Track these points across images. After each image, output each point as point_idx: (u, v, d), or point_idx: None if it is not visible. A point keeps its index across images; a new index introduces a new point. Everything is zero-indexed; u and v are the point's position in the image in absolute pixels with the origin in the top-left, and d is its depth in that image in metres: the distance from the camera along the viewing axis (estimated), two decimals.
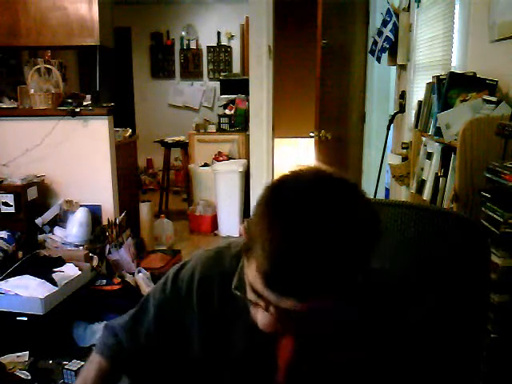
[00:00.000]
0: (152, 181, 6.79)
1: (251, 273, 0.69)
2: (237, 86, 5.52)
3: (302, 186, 0.69)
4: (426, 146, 2.23)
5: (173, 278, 0.93)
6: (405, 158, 2.95)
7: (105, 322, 2.67)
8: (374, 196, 3.77)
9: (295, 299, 0.66)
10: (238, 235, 4.60)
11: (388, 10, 3.37)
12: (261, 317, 0.72)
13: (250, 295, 0.72)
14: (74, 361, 2.33)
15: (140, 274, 3.19)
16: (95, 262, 3.01)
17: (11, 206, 3.11)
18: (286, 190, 0.69)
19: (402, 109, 3.44)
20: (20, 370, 2.30)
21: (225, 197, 4.61)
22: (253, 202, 4.63)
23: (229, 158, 5.03)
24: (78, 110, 3.31)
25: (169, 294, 0.93)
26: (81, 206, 3.32)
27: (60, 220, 3.31)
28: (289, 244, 0.64)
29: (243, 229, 0.75)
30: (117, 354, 0.96)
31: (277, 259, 0.64)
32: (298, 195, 0.67)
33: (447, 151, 1.91)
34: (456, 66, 2.39)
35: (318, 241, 0.64)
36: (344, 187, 0.71)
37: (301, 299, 0.66)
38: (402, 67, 3.49)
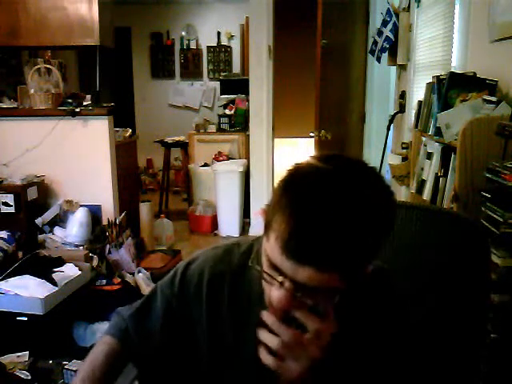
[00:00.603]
0: (152, 181, 6.79)
1: (270, 246, 0.70)
2: (237, 85, 5.51)
3: (323, 167, 0.71)
4: (426, 146, 2.23)
5: (181, 274, 0.93)
6: (405, 158, 2.95)
7: (105, 322, 2.68)
8: None
9: (312, 267, 0.67)
10: (238, 235, 4.61)
11: (388, 9, 3.37)
12: (276, 293, 0.72)
13: (267, 270, 0.73)
14: (74, 361, 2.32)
15: (140, 274, 3.19)
16: (95, 262, 3.01)
17: (11, 206, 3.11)
18: (307, 169, 0.72)
19: (402, 109, 3.44)
20: (20, 369, 2.30)
21: (225, 197, 4.61)
22: (253, 202, 4.65)
23: (229, 158, 5.03)
24: (78, 110, 3.31)
25: (177, 291, 0.93)
26: (81, 206, 3.31)
27: (60, 220, 3.31)
28: (309, 212, 0.66)
29: (263, 210, 0.76)
30: (126, 338, 0.96)
31: (296, 226, 0.66)
32: (319, 174, 0.70)
33: (447, 151, 1.91)
34: (456, 66, 2.39)
35: (338, 211, 0.66)
36: (365, 168, 0.73)
37: (318, 267, 0.67)
38: (402, 67, 3.49)
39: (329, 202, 0.67)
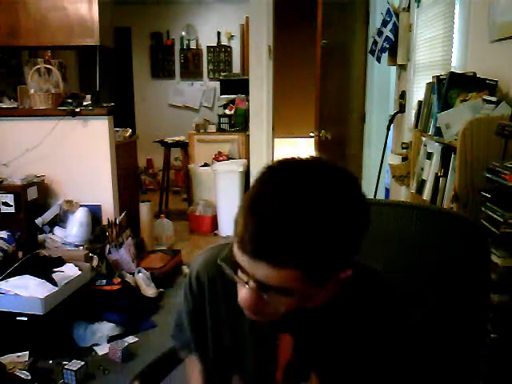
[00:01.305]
0: (152, 181, 6.79)
1: (235, 248, 0.71)
2: (237, 85, 5.51)
3: (289, 164, 0.72)
4: (426, 146, 2.23)
5: (189, 288, 0.94)
6: (405, 158, 2.95)
7: (105, 321, 2.68)
8: (374, 196, 3.77)
9: (265, 262, 0.66)
10: None
11: (388, 9, 3.37)
12: (241, 292, 0.73)
13: (238, 273, 0.74)
14: (74, 361, 2.33)
15: (140, 274, 3.19)
16: (95, 262, 3.01)
17: (11, 206, 3.11)
18: (265, 174, 0.72)
19: (402, 109, 3.44)
20: (20, 369, 2.30)
21: (225, 197, 4.61)
22: None
23: (229, 158, 5.03)
24: (78, 109, 3.31)
25: (191, 305, 0.94)
26: (81, 206, 3.32)
27: (60, 220, 3.31)
28: (261, 208, 0.66)
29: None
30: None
31: (249, 222, 0.67)
32: (285, 171, 0.70)
33: (447, 151, 1.91)
34: (456, 66, 2.39)
35: (291, 207, 0.65)
36: (336, 169, 0.72)
37: (271, 262, 0.66)
38: (402, 67, 3.49)
39: (281, 198, 0.66)
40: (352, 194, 0.71)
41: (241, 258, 0.70)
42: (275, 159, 0.75)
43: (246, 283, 0.71)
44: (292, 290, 0.69)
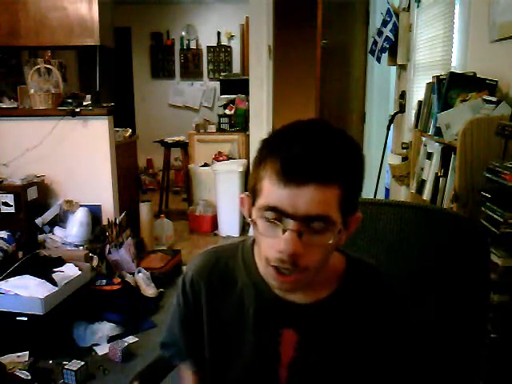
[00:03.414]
0: (152, 181, 6.79)
1: (264, 195, 0.73)
2: (237, 85, 5.51)
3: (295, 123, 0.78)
4: (426, 146, 2.23)
5: (182, 290, 0.93)
6: (405, 158, 2.95)
7: (105, 321, 2.68)
8: (374, 196, 3.77)
9: (312, 183, 0.69)
10: (238, 235, 4.60)
11: (388, 9, 3.37)
12: (282, 241, 0.72)
13: (267, 228, 0.74)
14: (74, 361, 2.33)
15: (140, 273, 3.19)
16: (95, 262, 3.01)
17: (11, 206, 3.11)
18: (275, 132, 0.79)
19: (402, 109, 3.44)
20: (20, 369, 2.30)
21: (225, 197, 4.60)
22: None
23: (229, 158, 5.03)
24: (78, 110, 3.31)
25: (183, 308, 0.93)
26: (81, 206, 3.32)
27: (60, 220, 3.31)
28: (297, 139, 0.73)
29: (244, 194, 0.80)
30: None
31: (287, 152, 0.71)
32: (294, 126, 0.78)
33: (447, 151, 1.91)
34: (456, 65, 2.39)
35: (322, 135, 0.74)
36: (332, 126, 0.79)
37: (318, 180, 0.70)
38: (402, 67, 3.49)
39: (312, 133, 0.74)
40: (356, 143, 0.79)
41: (278, 195, 0.71)
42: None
43: (284, 229, 0.72)
44: (331, 219, 0.72)
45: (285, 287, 0.79)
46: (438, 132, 1.94)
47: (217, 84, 6.37)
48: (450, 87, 1.92)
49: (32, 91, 3.31)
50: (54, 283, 2.55)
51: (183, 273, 0.94)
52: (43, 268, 2.66)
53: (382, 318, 0.84)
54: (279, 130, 0.78)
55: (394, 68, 3.78)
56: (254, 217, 0.76)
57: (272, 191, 0.71)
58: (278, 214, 0.72)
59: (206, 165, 5.05)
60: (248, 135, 4.88)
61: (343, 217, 0.74)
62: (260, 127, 4.66)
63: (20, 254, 2.91)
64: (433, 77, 2.19)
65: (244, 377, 0.87)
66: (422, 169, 2.25)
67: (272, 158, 0.72)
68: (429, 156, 2.15)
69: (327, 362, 0.84)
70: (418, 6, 3.14)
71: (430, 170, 2.10)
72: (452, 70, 2.20)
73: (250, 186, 0.78)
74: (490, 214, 1.42)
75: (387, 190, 4.15)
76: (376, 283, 0.86)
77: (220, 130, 5.34)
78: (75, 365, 2.29)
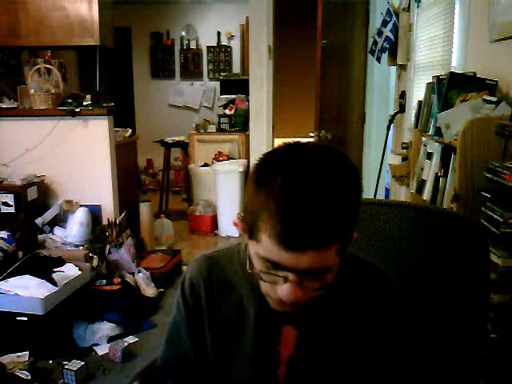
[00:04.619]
0: (152, 181, 6.79)
1: (263, 246, 0.71)
2: (237, 85, 5.51)
3: (281, 151, 0.75)
4: (425, 146, 2.23)
5: (181, 294, 0.93)
6: (405, 158, 2.95)
7: (105, 321, 2.68)
8: (374, 196, 3.77)
9: (313, 249, 0.68)
10: (238, 235, 4.60)
11: (388, 9, 3.37)
12: (284, 289, 0.73)
13: (266, 275, 0.74)
14: (74, 361, 2.33)
15: (140, 274, 3.19)
16: (95, 262, 3.01)
17: (11, 206, 3.11)
18: (275, 160, 0.74)
19: (402, 109, 3.44)
20: (20, 370, 2.30)
21: (225, 197, 4.61)
22: None
23: (229, 158, 5.03)
24: (77, 110, 3.31)
25: (184, 312, 0.92)
26: (81, 206, 3.32)
27: (60, 220, 3.31)
28: (294, 201, 0.68)
29: (238, 219, 0.77)
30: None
31: (287, 216, 0.67)
32: (282, 158, 0.73)
33: (447, 151, 1.91)
34: (456, 66, 2.39)
35: (319, 192, 0.69)
36: (329, 150, 0.75)
37: (319, 247, 0.68)
38: (402, 67, 3.49)
39: (309, 185, 0.69)
40: (352, 167, 0.76)
41: (278, 255, 0.70)
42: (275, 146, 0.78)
43: (285, 279, 0.72)
44: (330, 266, 0.72)
45: (284, 311, 0.80)
46: (438, 132, 1.94)
47: (217, 84, 6.37)
48: (450, 87, 1.92)
49: (32, 91, 3.31)
50: (53, 283, 2.55)
51: (182, 279, 0.94)
52: (43, 268, 2.66)
53: (380, 311, 0.84)
54: (276, 162, 0.73)
55: (393, 68, 3.78)
56: (251, 253, 0.76)
57: (272, 249, 0.70)
58: (279, 267, 0.71)
59: (206, 165, 5.05)
60: (248, 135, 4.88)
61: (343, 250, 0.74)
62: (260, 127, 4.66)
63: (20, 253, 2.91)
64: (433, 77, 2.19)
65: (245, 375, 0.87)
66: (422, 169, 2.25)
67: (271, 213, 0.68)
68: (429, 156, 2.15)
69: (326, 357, 0.84)
70: (417, 6, 3.13)
71: (430, 169, 2.10)
72: (452, 70, 2.20)
73: (245, 212, 0.75)
74: (490, 213, 1.42)
75: (387, 190, 4.15)
76: (372, 277, 0.87)
77: (220, 130, 5.34)
78: (75, 365, 2.29)
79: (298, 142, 0.76)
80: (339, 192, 0.70)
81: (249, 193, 0.73)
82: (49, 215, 3.29)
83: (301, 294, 0.73)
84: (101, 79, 3.71)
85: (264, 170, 0.73)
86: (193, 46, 7.07)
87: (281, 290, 0.73)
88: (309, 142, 0.78)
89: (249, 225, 0.73)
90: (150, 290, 3.13)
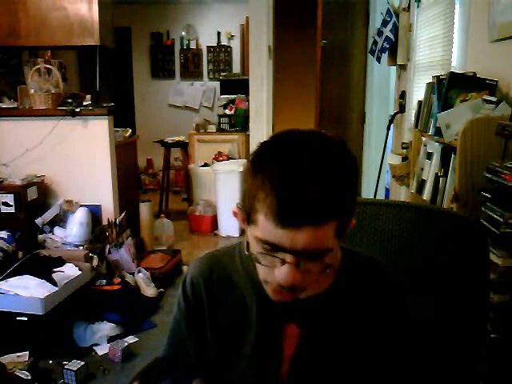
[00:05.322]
0: (152, 181, 6.79)
1: (260, 228, 0.71)
2: (237, 85, 5.51)
3: (276, 139, 0.77)
4: (426, 146, 2.23)
5: (182, 294, 0.93)
6: (405, 158, 2.95)
7: (105, 321, 2.68)
8: (374, 196, 3.77)
9: (310, 226, 0.68)
10: (238, 235, 4.60)
11: (388, 9, 3.37)
12: (281, 271, 0.73)
13: (264, 257, 0.74)
14: (74, 361, 2.33)
15: (140, 274, 3.19)
16: (95, 262, 3.01)
17: (11, 206, 3.11)
18: (267, 145, 0.76)
19: (402, 109, 3.44)
20: (20, 370, 2.30)
21: (225, 197, 4.60)
22: None
23: (229, 158, 5.03)
24: (78, 110, 3.31)
25: (185, 311, 0.93)
26: (81, 206, 3.31)
27: (60, 220, 3.31)
28: (290, 176, 0.69)
29: (237, 208, 0.78)
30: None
31: (283, 193, 0.68)
32: (278, 144, 0.75)
33: (447, 151, 1.91)
34: (456, 66, 2.39)
35: (314, 169, 0.70)
36: (324, 134, 0.77)
37: (316, 223, 0.69)
38: (402, 67, 3.49)
39: (303, 164, 0.70)
40: (347, 150, 0.76)
41: (275, 234, 0.70)
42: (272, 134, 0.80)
43: (283, 261, 0.72)
44: (328, 247, 0.72)
45: (283, 301, 0.80)
46: (438, 132, 1.94)
47: (217, 84, 6.37)
48: (450, 87, 1.92)
49: (32, 91, 3.30)
50: (54, 283, 2.55)
51: (183, 278, 0.94)
52: (43, 268, 2.66)
53: (381, 305, 0.85)
54: (272, 148, 0.75)
55: (393, 68, 3.78)
56: (249, 238, 0.76)
57: (269, 229, 0.70)
58: (276, 248, 0.72)
59: (206, 165, 5.05)
60: (248, 135, 4.89)
61: (340, 233, 0.74)
62: (260, 127, 4.67)
63: (20, 253, 2.90)
64: (433, 77, 2.19)
65: (247, 373, 0.88)
66: (422, 169, 2.25)
67: (267, 192, 0.69)
68: (429, 156, 2.15)
69: (329, 354, 0.84)
70: (417, 6, 3.14)
71: (430, 169, 2.10)
72: (452, 70, 2.20)
73: (243, 200, 0.76)
74: (490, 213, 1.42)
75: (387, 190, 4.15)
76: (373, 273, 0.87)
77: (220, 130, 5.34)
78: (75, 365, 2.29)
79: (293, 129, 0.77)
80: (334, 169, 0.71)
81: (247, 181, 0.74)
82: (49, 215, 3.29)
83: (299, 277, 0.72)
84: (101, 79, 3.71)
85: (260, 157, 0.74)
86: (193, 45, 7.07)
87: (279, 273, 0.73)
88: (303, 130, 0.78)
89: (246, 210, 0.74)
90: (149, 290, 3.13)
